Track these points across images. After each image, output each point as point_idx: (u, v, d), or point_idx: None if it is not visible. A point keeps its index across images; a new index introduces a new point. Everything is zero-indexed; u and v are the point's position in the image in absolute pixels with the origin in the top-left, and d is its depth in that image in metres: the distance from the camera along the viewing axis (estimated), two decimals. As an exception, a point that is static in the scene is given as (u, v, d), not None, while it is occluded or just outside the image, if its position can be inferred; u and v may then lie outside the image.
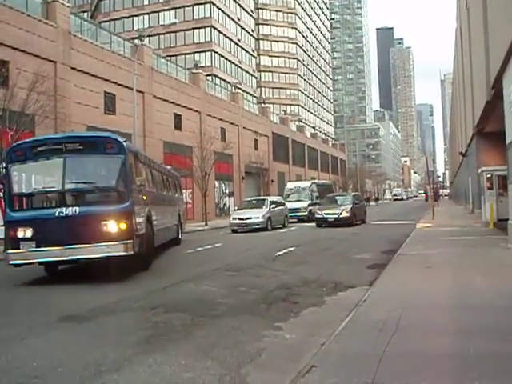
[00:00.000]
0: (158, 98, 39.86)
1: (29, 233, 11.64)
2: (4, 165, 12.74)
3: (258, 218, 29.56)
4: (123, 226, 11.83)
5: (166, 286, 11.15)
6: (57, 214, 11.63)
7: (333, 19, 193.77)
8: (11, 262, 11.83)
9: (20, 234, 11.65)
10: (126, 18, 77.16)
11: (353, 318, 7.35)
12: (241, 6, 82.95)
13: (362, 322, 7.08)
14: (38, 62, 25.76)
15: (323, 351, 5.85)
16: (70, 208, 11.72)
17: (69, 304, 9.67)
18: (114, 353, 6.24)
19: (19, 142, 13.54)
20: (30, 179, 12.84)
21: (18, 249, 11.61)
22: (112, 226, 11.75)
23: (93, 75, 32.38)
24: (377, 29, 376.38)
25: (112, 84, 34.20)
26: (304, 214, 38.43)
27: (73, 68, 30.40)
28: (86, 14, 77.98)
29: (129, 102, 32.49)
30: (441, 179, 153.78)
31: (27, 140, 13.41)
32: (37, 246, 11.58)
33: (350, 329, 6.77)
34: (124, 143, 12.57)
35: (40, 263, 12.37)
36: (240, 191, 54.08)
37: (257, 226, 29.22)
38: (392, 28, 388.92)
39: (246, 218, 29.66)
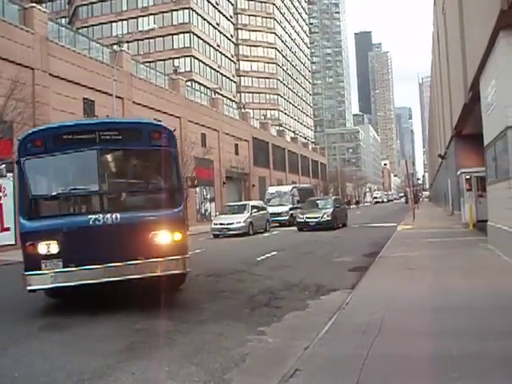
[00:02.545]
0: (138, 103, 39.62)
1: (54, 248, 8.82)
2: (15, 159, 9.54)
3: (239, 222, 29.52)
4: (178, 236, 9.35)
5: (147, 291, 11.07)
6: (91, 223, 8.93)
7: (311, 24, 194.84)
8: (31, 288, 8.94)
9: (42, 249, 8.81)
10: (104, 24, 76.72)
11: (336, 321, 7.38)
12: (220, 12, 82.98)
13: (345, 325, 7.11)
14: (16, 69, 25.43)
15: (307, 355, 5.87)
16: (109, 215, 9.02)
17: (49, 313, 9.57)
18: (97, 361, 6.20)
19: (35, 128, 10.39)
20: (52, 177, 9.89)
21: (39, 269, 8.78)
22: (165, 237, 9.22)
23: (71, 81, 32.05)
24: (355, 33, 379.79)
25: (91, 90, 33.93)
26: (285, 218, 38.45)
27: (51, 74, 30.08)
28: (63, 20, 77.52)
29: (108, 108, 32.30)
30: (420, 182, 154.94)
31: (48, 126, 10.52)
32: (64, 266, 8.81)
33: (334, 332, 6.79)
34: (173, 132, 10.22)
35: (64, 288, 9.32)
36: (221, 196, 53.95)
37: (238, 231, 29.18)
38: (370, 32, 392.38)
39: (228, 223, 29.61)
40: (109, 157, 9.82)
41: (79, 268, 8.79)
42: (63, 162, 9.51)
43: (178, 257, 9.27)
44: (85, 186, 9.57)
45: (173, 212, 9.49)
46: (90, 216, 9.06)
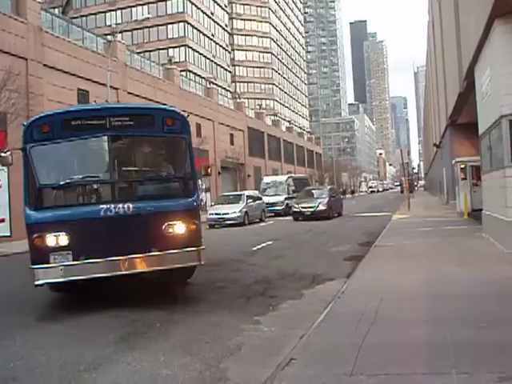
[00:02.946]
0: (133, 94, 39.45)
1: (63, 240, 8.35)
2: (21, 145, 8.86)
3: (235, 212, 29.53)
4: (193, 226, 9.01)
5: (144, 283, 11.07)
6: (102, 213, 8.49)
7: (306, 13, 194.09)
8: (39, 282, 8.31)
9: (50, 241, 8.32)
10: (98, 13, 76.15)
11: (331, 310, 7.40)
12: (214, 1, 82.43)
13: (340, 314, 7.14)
14: (9, 59, 25.27)
15: (302, 344, 5.88)
16: (121, 204, 8.59)
17: (45, 304, 9.56)
18: (92, 352, 6.21)
19: (42, 113, 9.68)
20: (60, 165, 9.32)
21: (48, 263, 8.27)
22: (179, 228, 8.84)
23: (66, 72, 31.85)
24: (350, 23, 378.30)
25: (85, 81, 33.73)
26: (281, 207, 38.46)
27: (45, 65, 29.88)
28: (57, 9, 76.95)
29: (103, 99, 32.16)
30: (416, 171, 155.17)
31: (56, 110, 9.72)
32: (74, 259, 8.34)
33: (329, 321, 6.81)
34: (187, 118, 9.67)
35: (73, 282, 8.80)
36: (216, 186, 53.87)
37: (234, 221, 29.19)
38: (365, 21, 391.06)
39: (223, 213, 29.61)
40: (120, 143, 9.28)
41: (90, 261, 8.35)
42: (72, 149, 9.05)
43: (193, 248, 8.88)
44: (95, 174, 9.15)
45: (187, 201, 9.10)
46: (100, 206, 8.62)
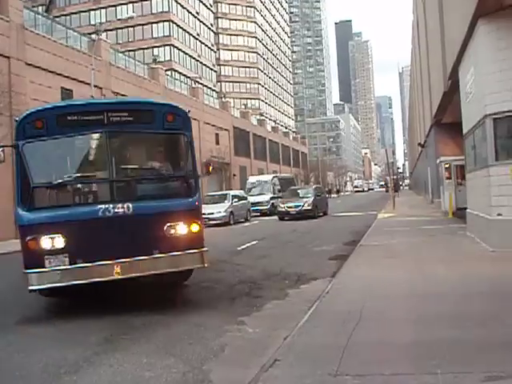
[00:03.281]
0: (117, 93, 39.22)
1: (59, 242, 7.88)
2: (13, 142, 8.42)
3: (220, 212, 29.47)
4: (196, 227, 8.64)
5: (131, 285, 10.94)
6: (101, 214, 8.05)
7: (292, 13, 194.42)
8: (33, 288, 7.88)
9: (45, 244, 7.85)
10: (82, 12, 75.61)
11: (316, 310, 7.37)
12: (199, 0, 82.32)
13: (325, 314, 7.10)
14: (-9, 58, 25.04)
15: (286, 344, 5.84)
16: (120, 204, 8.16)
17: (27, 306, 9.43)
18: (74, 354, 6.11)
19: (36, 108, 9.02)
20: (55, 163, 8.81)
21: (43, 267, 7.81)
22: (181, 229, 8.49)
23: (49, 71, 31.59)
24: (335, 23, 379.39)
25: (69, 80, 33.47)
26: (266, 207, 38.48)
27: (28, 64, 29.65)
28: (40, 8, 76.30)
29: (87, 98, 31.92)
30: (401, 170, 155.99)
31: (50, 105, 9.28)
32: (71, 262, 7.90)
33: (314, 321, 6.77)
34: (189, 115, 9.25)
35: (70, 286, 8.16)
36: (202, 186, 53.74)
37: (219, 221, 29.11)
38: (350, 21, 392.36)
39: (209, 213, 29.43)
40: (118, 140, 8.79)
41: (88, 264, 7.91)
42: (67, 146, 8.57)
43: (196, 250, 8.57)
44: (92, 172, 8.76)
45: (189, 201, 8.72)
46: (98, 206, 8.14)
